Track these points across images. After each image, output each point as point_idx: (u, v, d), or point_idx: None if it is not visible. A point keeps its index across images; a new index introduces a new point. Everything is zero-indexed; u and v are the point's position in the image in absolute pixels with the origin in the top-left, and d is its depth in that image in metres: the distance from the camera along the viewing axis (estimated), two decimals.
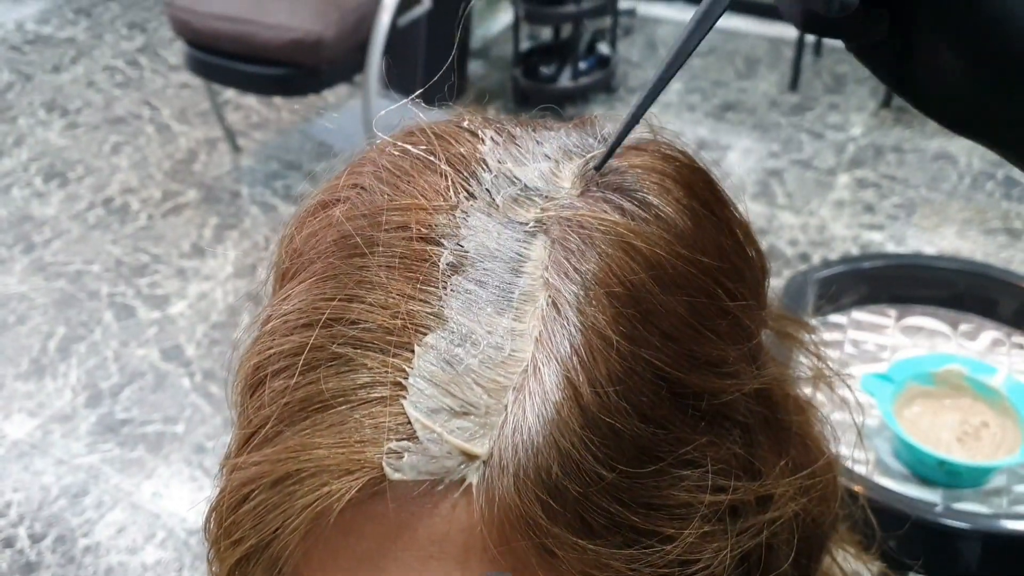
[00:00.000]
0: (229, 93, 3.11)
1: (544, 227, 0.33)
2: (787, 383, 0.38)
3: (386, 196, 0.34)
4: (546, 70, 3.13)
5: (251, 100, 3.17)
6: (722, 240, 0.35)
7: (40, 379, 2.16)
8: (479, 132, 0.36)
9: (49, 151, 2.97)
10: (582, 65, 3.19)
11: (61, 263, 2.50)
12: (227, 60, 2.49)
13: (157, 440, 2.01)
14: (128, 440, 2.01)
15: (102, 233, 2.61)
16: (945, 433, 1.10)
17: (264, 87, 2.66)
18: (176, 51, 3.41)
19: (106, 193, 2.77)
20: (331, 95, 3.14)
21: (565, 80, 3.14)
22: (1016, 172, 2.81)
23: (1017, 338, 1.27)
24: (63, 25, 3.76)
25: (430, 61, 2.92)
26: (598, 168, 0.34)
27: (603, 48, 3.28)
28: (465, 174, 0.34)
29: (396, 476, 0.29)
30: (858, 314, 1.31)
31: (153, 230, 2.63)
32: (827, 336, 1.25)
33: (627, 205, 0.33)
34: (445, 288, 0.31)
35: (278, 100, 3.17)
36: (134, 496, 1.90)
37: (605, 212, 0.33)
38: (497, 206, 0.33)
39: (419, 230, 0.32)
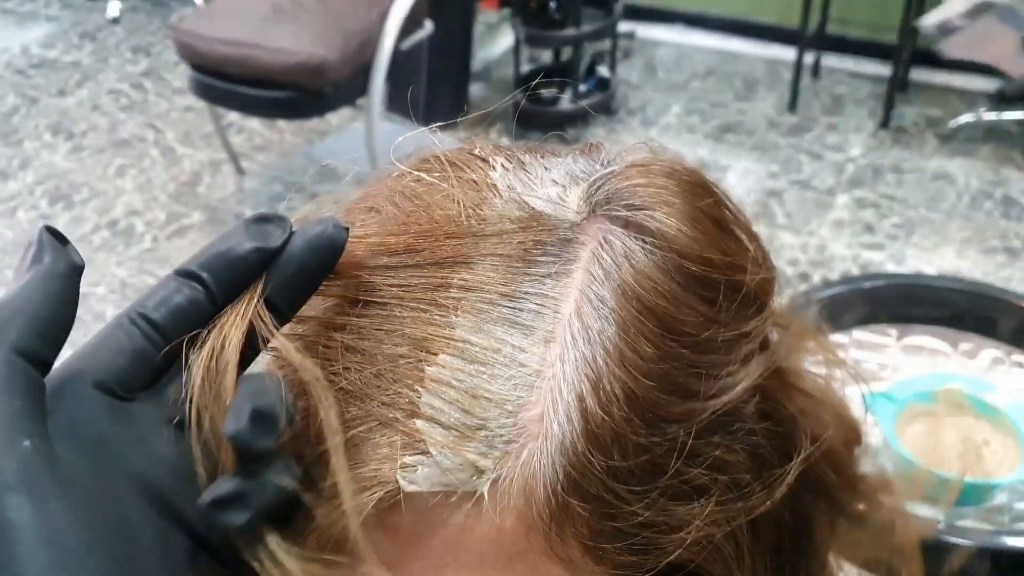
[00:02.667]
0: (232, 116, 3.14)
1: None
2: (788, 374, 0.39)
3: (400, 222, 0.35)
4: (547, 93, 3.16)
5: (254, 123, 3.20)
6: (727, 248, 0.36)
7: None
8: (490, 159, 0.37)
9: (54, 174, 3.00)
10: (582, 87, 3.22)
11: None
12: (231, 84, 2.52)
13: None
14: None
15: (107, 255, 2.63)
16: (947, 451, 1.11)
17: (268, 110, 2.69)
18: (180, 75, 3.44)
19: (111, 215, 2.79)
20: (334, 117, 3.17)
21: (565, 102, 3.17)
22: (1014, 191, 2.84)
23: (1017, 356, 1.28)
24: (68, 49, 3.80)
25: (432, 84, 2.95)
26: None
27: (603, 71, 3.31)
28: (477, 200, 0.35)
29: (410, 488, 0.31)
30: (859, 333, 1.32)
31: (158, 252, 2.65)
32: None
33: (631, 231, 0.34)
34: (458, 310, 0.32)
35: (281, 122, 3.19)
36: None
37: (609, 236, 0.34)
38: None
39: (432, 254, 0.34)
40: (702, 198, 0.37)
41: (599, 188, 0.36)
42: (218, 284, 0.30)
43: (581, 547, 0.32)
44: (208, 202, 2.85)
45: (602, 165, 0.37)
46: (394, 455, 0.31)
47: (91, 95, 3.45)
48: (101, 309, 2.43)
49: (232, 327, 0.30)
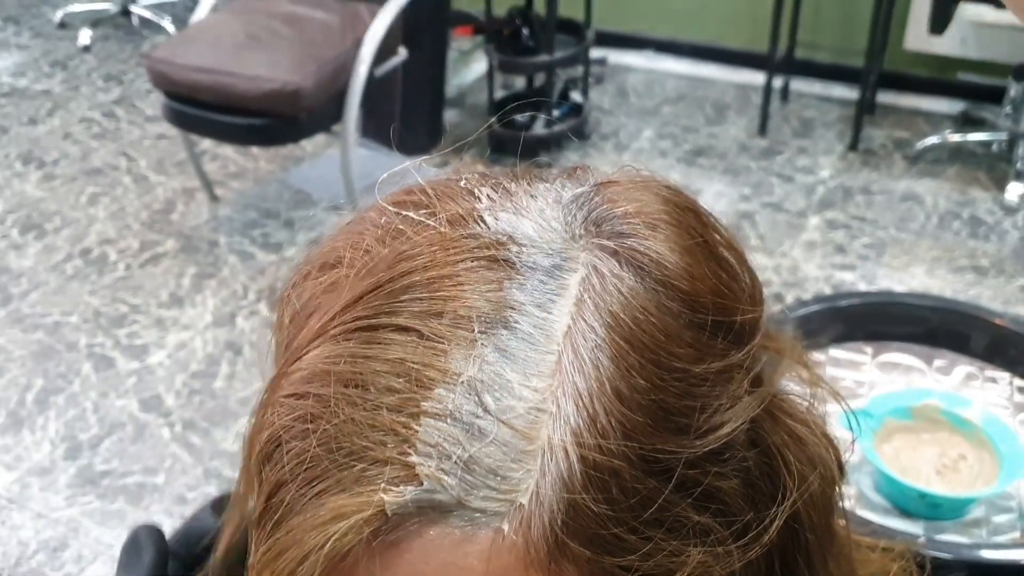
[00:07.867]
0: (206, 143, 3.13)
1: None
2: (780, 404, 0.39)
3: (391, 256, 0.35)
4: (520, 118, 3.18)
5: (228, 150, 3.19)
6: (717, 274, 0.36)
7: (18, 432, 2.14)
8: (475, 190, 0.37)
9: (26, 203, 2.97)
10: (555, 113, 3.25)
11: (39, 315, 2.49)
12: (205, 111, 2.51)
13: (137, 491, 1.99)
14: (108, 492, 1.99)
15: (80, 284, 2.61)
16: (924, 466, 1.13)
17: (243, 137, 2.68)
18: (152, 102, 3.43)
19: (84, 244, 2.77)
20: (308, 144, 3.17)
21: (539, 128, 3.19)
22: (980, 211, 2.88)
23: (990, 372, 1.30)
24: (39, 78, 3.78)
25: (407, 110, 2.96)
26: None
27: (576, 96, 3.34)
28: (465, 233, 0.35)
29: (398, 511, 0.31)
30: (835, 351, 1.34)
31: (131, 280, 2.63)
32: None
33: (622, 258, 0.34)
34: (451, 342, 0.32)
35: (255, 149, 3.18)
36: (115, 549, 1.87)
37: (598, 264, 0.34)
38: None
39: (424, 288, 0.33)
40: (692, 224, 0.37)
41: (588, 215, 0.36)
42: None
43: None
44: (182, 230, 2.84)
45: (590, 190, 0.37)
46: (388, 489, 0.31)
47: (63, 123, 3.43)
48: (74, 339, 2.40)
49: None
